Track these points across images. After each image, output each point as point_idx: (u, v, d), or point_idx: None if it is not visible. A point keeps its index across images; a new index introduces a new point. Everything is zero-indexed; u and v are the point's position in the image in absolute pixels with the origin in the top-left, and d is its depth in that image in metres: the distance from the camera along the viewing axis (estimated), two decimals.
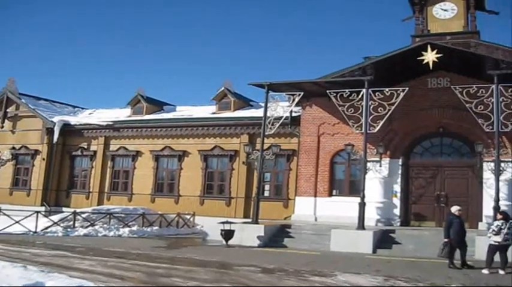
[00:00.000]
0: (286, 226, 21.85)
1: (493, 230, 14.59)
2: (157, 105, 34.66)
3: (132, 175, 31.73)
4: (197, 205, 28.77)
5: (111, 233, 23.55)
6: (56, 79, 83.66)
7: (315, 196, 24.55)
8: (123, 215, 25.30)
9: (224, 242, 20.08)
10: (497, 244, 14.45)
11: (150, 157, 31.17)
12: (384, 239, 19.63)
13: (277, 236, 21.01)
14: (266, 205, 25.47)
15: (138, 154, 31.72)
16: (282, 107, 22.77)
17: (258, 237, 20.38)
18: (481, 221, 20.93)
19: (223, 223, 20.51)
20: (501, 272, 14.21)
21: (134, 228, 24.49)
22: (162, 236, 24.01)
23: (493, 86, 19.31)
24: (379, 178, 22.63)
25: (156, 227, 25.43)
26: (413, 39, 25.41)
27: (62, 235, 22.74)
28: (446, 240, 15.32)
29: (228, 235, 20.12)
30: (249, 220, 22.15)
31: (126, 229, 24.12)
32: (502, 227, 14.43)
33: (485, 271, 14.35)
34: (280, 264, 15.13)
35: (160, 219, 26.29)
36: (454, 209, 15.95)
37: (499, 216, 15.26)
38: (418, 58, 20.47)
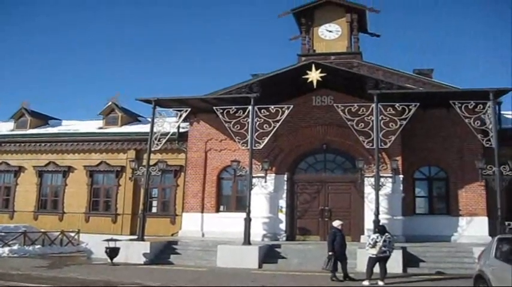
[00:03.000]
0: (173, 243, 21.72)
1: (369, 243, 15.24)
2: (43, 119, 33.52)
3: (14, 191, 30.35)
4: (82, 222, 28.00)
5: None
6: None
7: (202, 211, 24.66)
8: (3, 234, 24.12)
9: (109, 260, 19.65)
10: (374, 256, 15.07)
11: (34, 172, 30.02)
12: (269, 254, 19.91)
13: (163, 252, 20.84)
14: (153, 221, 25.36)
15: (20, 169, 30.44)
16: (169, 123, 22.68)
17: (144, 254, 20.13)
18: (363, 234, 21.63)
19: (108, 240, 20.07)
20: (380, 283, 14.86)
21: (15, 247, 23.42)
22: (44, 255, 23.15)
23: (373, 105, 20.15)
24: (265, 193, 22.86)
25: (39, 246, 24.45)
26: (300, 58, 26.18)
27: None
28: (331, 253, 15.76)
29: (112, 252, 19.70)
30: (136, 237, 21.79)
31: (6, 249, 23.05)
32: (378, 240, 15.09)
33: (365, 283, 14.95)
34: (165, 281, 15.07)
35: (43, 237, 25.30)
36: (337, 223, 16.47)
37: (376, 230, 15.93)
38: (303, 77, 21.02)
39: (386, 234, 15.36)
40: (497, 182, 18.86)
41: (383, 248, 15.05)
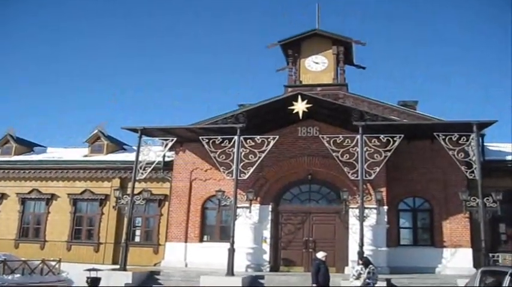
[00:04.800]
0: (156, 273, 21.54)
1: (354, 275, 15.18)
2: (28, 146, 33.17)
3: None
4: (64, 251, 27.45)
5: None
6: None
7: (186, 241, 24.43)
8: None
9: None
10: None
11: (16, 199, 29.59)
12: (253, 285, 19.81)
13: (146, 283, 20.66)
14: (136, 251, 25.12)
15: (3, 196, 29.94)
16: (154, 152, 22.73)
17: (126, 284, 19.91)
18: (347, 265, 21.54)
19: (89, 270, 19.81)
20: None
21: None
22: (24, 285, 22.66)
23: (358, 136, 20.30)
24: (249, 223, 22.72)
25: (18, 275, 23.89)
26: (286, 89, 26.28)
27: None
28: (315, 285, 15.67)
29: (94, 282, 19.47)
30: (118, 267, 21.55)
31: None
32: (362, 272, 15.05)
33: None
34: None
35: (23, 266, 24.83)
36: (321, 254, 16.42)
37: (360, 261, 15.90)
38: (289, 107, 21.15)
39: (371, 266, 15.34)
40: (481, 213, 18.99)
41: (367, 280, 15.01)
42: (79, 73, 79.48)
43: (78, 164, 28.99)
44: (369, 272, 15.07)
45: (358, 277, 15.05)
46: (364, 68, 29.11)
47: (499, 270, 10.52)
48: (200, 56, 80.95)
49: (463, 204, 19.94)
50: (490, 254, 19.78)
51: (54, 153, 32.04)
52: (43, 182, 29.46)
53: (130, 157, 26.94)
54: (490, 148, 25.27)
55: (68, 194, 28.69)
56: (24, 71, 79.78)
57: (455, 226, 22.75)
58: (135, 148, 23.16)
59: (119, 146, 31.43)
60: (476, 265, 20.53)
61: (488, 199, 19.20)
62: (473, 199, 19.42)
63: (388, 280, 18.37)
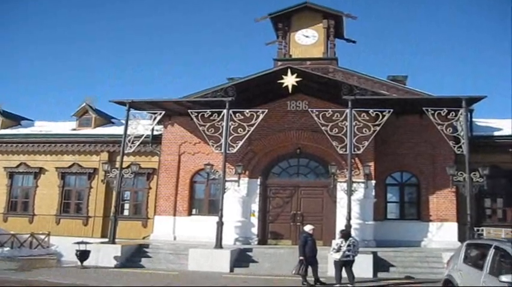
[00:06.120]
0: (144, 246, 21.59)
1: (334, 248, 15.32)
2: (15, 119, 32.93)
3: None
4: (53, 224, 27.59)
5: None
6: None
7: (175, 215, 24.49)
8: None
9: (79, 263, 19.44)
10: (338, 260, 15.15)
11: (4, 174, 29.50)
12: (241, 258, 19.88)
13: (134, 256, 20.71)
14: (125, 224, 25.19)
15: None
16: (143, 126, 22.65)
17: (115, 257, 19.97)
18: (335, 239, 21.55)
19: (78, 243, 19.82)
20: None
21: None
22: (13, 258, 22.80)
23: (347, 111, 20.26)
24: (237, 197, 22.77)
25: (7, 248, 24.11)
26: (276, 62, 26.16)
27: None
28: (301, 258, 15.78)
29: (83, 255, 19.49)
30: (107, 240, 21.58)
31: None
32: (342, 245, 15.17)
33: None
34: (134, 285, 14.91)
35: (12, 239, 24.96)
36: (308, 228, 16.54)
37: (339, 234, 16.05)
38: (279, 81, 21.06)
39: (351, 238, 15.53)
40: (467, 188, 19.11)
41: (347, 253, 15.14)
42: (70, 49, 78.99)
43: (66, 138, 28.90)
44: (348, 245, 15.19)
45: (338, 250, 15.17)
46: (354, 42, 29.01)
47: (484, 243, 10.60)
48: (190, 30, 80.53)
49: (450, 179, 20.03)
50: (475, 228, 19.98)
51: (41, 127, 31.87)
52: (31, 155, 29.40)
53: (118, 130, 26.88)
54: (479, 123, 25.39)
55: (56, 168, 28.67)
56: (16, 48, 79.02)
57: (442, 201, 22.95)
58: (124, 121, 23.01)
59: (107, 119, 31.29)
60: (461, 238, 20.71)
61: (475, 174, 19.31)
62: (460, 173, 19.50)
63: (374, 253, 18.53)
